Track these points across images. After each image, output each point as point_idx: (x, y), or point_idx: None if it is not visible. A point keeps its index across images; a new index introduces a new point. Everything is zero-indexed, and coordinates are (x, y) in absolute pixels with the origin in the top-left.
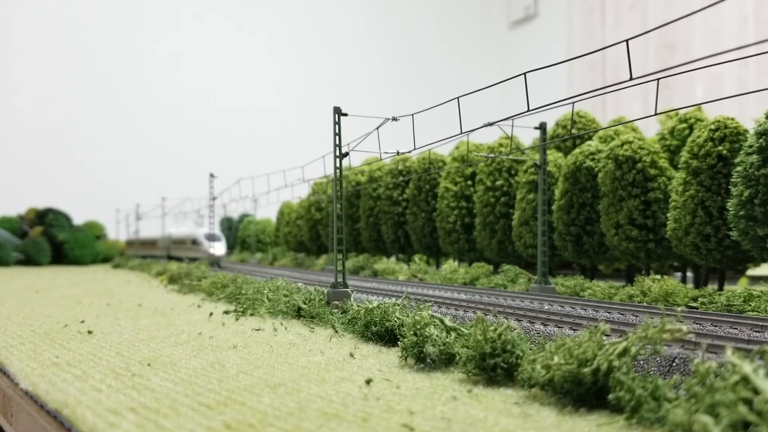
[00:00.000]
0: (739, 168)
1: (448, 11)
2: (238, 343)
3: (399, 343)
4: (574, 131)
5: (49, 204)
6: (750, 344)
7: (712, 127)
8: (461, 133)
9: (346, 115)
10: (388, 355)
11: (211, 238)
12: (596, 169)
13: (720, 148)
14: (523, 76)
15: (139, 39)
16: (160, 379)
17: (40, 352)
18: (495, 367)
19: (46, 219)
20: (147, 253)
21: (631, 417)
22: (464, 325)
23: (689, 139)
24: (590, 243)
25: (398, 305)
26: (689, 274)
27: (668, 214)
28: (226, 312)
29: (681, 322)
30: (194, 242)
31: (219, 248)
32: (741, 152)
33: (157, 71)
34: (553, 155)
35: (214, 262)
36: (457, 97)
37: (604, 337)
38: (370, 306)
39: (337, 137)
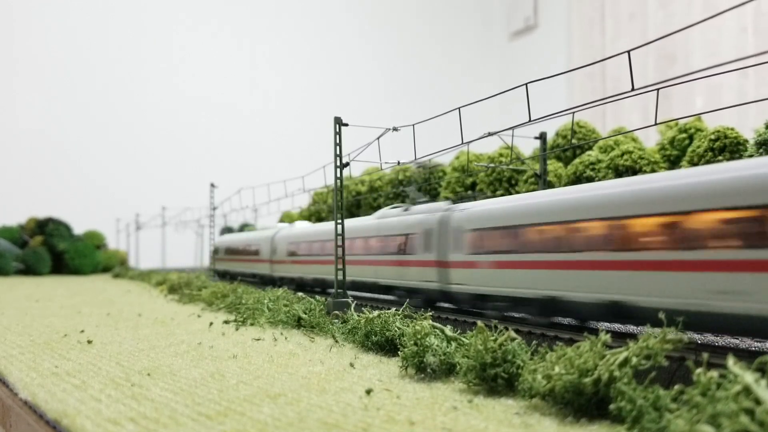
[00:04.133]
0: None
1: (448, 22)
2: (238, 353)
3: (399, 352)
4: (574, 141)
5: (50, 214)
6: (751, 354)
7: (712, 137)
8: (462, 143)
9: (346, 125)
10: (388, 365)
11: None
12: (596, 178)
13: (720, 158)
14: (524, 86)
15: (139, 49)
16: (159, 389)
17: (40, 362)
18: (496, 377)
19: (47, 228)
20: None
21: (633, 427)
22: (465, 334)
23: (689, 149)
24: None
25: (398, 315)
26: None
27: None
28: (226, 322)
29: (682, 332)
30: None
31: None
32: None
33: (157, 80)
34: (553, 165)
35: None
36: (458, 108)
37: (605, 347)
38: (371, 316)
39: (338, 147)
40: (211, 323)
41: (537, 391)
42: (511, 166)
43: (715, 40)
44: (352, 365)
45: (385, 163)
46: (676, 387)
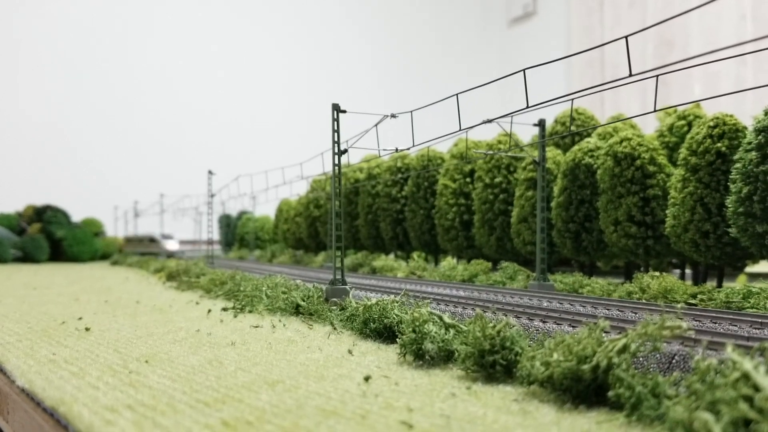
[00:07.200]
0: (737, 165)
1: (446, 8)
2: (236, 340)
3: (398, 340)
4: (573, 128)
5: (48, 201)
6: (750, 341)
7: (711, 124)
8: (460, 130)
9: (344, 112)
10: (386, 352)
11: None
12: (595, 166)
13: (719, 145)
14: (522, 72)
15: (137, 37)
16: (157, 376)
17: (37, 350)
18: (494, 364)
19: (45, 216)
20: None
21: (631, 414)
22: (463, 321)
23: (688, 136)
24: (589, 240)
25: (397, 302)
26: (688, 270)
27: (667, 211)
28: (225, 309)
29: (681, 318)
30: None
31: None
32: (740, 149)
33: (155, 68)
34: (551, 152)
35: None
36: (456, 94)
37: (604, 334)
38: (369, 303)
39: (336, 134)
40: (209, 310)
41: (535, 377)
42: (509, 153)
43: (714, 27)
44: (350, 352)
45: (383, 150)
46: (675, 374)
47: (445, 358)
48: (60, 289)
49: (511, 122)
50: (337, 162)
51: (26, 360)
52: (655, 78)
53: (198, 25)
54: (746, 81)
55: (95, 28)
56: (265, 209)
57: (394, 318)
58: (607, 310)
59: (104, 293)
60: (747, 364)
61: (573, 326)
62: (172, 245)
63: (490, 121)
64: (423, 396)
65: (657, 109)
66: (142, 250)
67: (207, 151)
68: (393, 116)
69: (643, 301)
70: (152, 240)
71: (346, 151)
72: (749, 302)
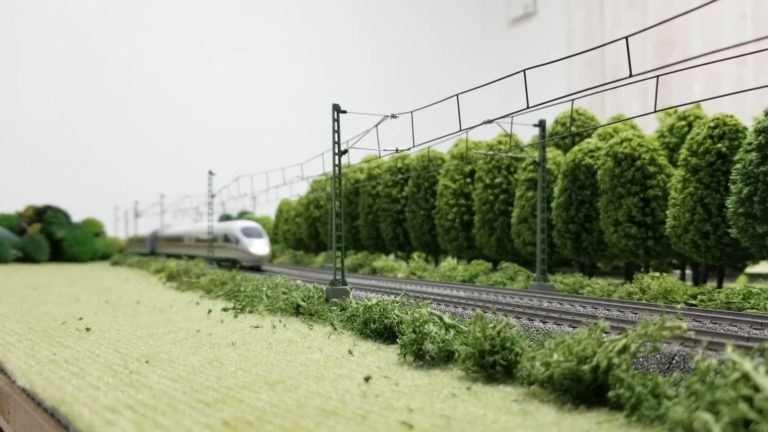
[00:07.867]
0: (738, 165)
1: (446, 8)
2: (236, 340)
3: (398, 340)
4: (573, 129)
5: (48, 201)
6: (750, 341)
7: (711, 124)
8: (460, 130)
9: (345, 112)
10: (386, 353)
11: (249, 233)
12: (595, 166)
13: (719, 145)
14: (522, 73)
15: (138, 38)
16: (158, 376)
17: (38, 350)
18: (494, 365)
19: (45, 216)
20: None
21: (631, 414)
22: (463, 322)
23: (688, 137)
24: (589, 240)
25: (397, 302)
26: (688, 271)
27: (667, 212)
28: (225, 309)
29: (681, 319)
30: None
31: (261, 247)
32: (740, 150)
33: (154, 68)
34: (552, 153)
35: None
36: (456, 95)
37: (604, 335)
38: (369, 303)
39: (336, 134)
40: (209, 311)
41: (535, 378)
42: (510, 154)
43: (715, 27)
44: (350, 352)
45: (384, 150)
46: (675, 374)
47: (445, 358)
48: (60, 290)
49: (512, 123)
50: (337, 162)
51: (27, 360)
52: (655, 78)
53: (198, 25)
54: (747, 81)
55: (95, 28)
56: (266, 210)
57: (394, 318)
58: (607, 310)
59: (104, 293)
60: (747, 365)
61: (573, 327)
62: (261, 247)
63: (490, 121)
64: (423, 396)
65: (657, 109)
66: (219, 255)
67: (207, 152)
68: (393, 117)
69: (644, 301)
70: (227, 239)
71: (346, 151)
72: (749, 303)
